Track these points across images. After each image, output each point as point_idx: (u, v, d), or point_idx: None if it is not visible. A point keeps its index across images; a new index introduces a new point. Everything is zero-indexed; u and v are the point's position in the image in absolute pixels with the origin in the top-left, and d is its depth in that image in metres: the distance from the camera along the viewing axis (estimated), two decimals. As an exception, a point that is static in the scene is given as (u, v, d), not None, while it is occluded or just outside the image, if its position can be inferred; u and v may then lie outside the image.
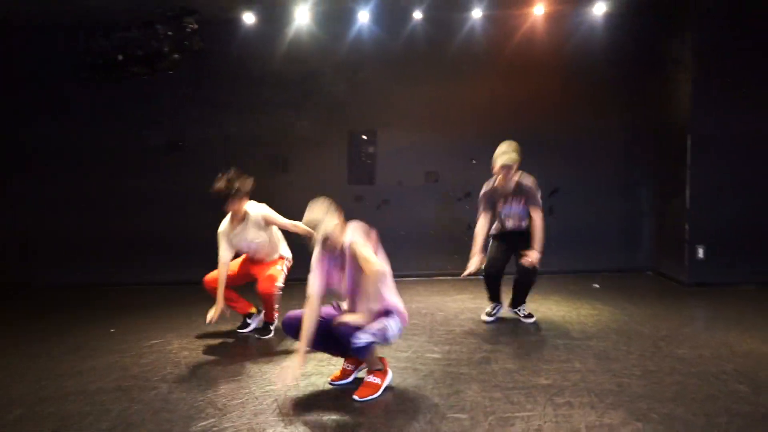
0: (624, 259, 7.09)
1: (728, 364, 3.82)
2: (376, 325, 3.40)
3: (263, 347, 4.56)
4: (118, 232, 7.07)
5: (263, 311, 4.91)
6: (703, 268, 6.16)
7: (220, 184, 4.51)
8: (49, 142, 7.00)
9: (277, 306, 4.82)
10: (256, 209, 4.70)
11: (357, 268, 3.42)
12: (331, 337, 3.47)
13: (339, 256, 3.54)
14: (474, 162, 6.81)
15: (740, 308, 5.26)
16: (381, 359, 3.69)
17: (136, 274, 7.10)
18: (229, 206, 4.59)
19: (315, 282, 3.59)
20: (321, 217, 3.44)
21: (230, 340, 4.80)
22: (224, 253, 4.72)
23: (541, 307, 5.42)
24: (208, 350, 4.54)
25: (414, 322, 5.08)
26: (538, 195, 4.85)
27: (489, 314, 5.09)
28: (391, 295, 3.58)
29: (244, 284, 4.99)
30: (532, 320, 5.00)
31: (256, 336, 4.84)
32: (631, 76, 6.92)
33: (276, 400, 3.47)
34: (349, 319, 3.38)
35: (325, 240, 3.45)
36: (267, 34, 6.82)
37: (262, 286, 4.68)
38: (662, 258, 6.76)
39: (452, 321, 5.10)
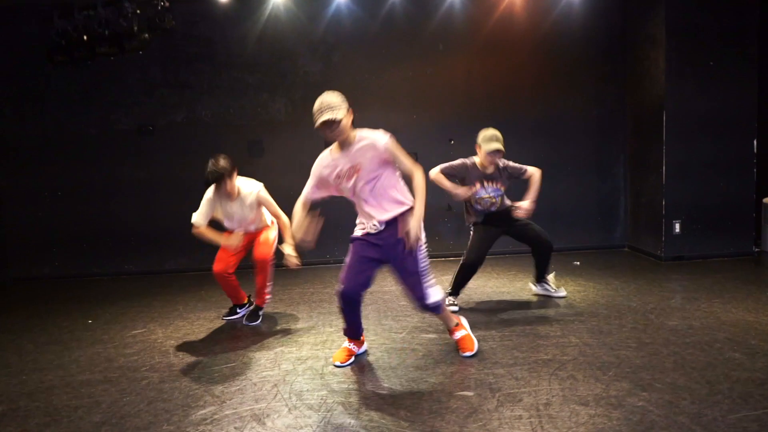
0: (601, 237, 7.18)
1: (719, 333, 3.90)
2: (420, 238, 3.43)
3: (253, 334, 4.44)
4: (90, 220, 6.81)
5: (254, 297, 4.79)
6: (679, 242, 6.29)
7: (210, 169, 4.35)
8: (14, 129, 6.66)
9: (269, 285, 4.70)
10: (248, 187, 4.54)
11: (378, 166, 3.35)
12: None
13: (349, 155, 3.38)
14: (452, 142, 6.79)
15: (719, 280, 5.39)
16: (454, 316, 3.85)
17: (111, 264, 6.87)
18: (224, 189, 4.43)
19: (310, 190, 3.57)
20: (337, 102, 3.26)
21: (216, 328, 4.66)
22: (202, 217, 4.49)
23: (526, 286, 5.44)
24: (195, 338, 4.40)
25: (402, 303, 5.04)
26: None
27: (452, 304, 4.85)
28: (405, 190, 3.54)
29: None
30: (563, 294, 4.98)
31: (245, 323, 4.71)
32: (606, 54, 6.97)
33: (276, 385, 3.38)
34: (414, 226, 3.32)
35: (333, 125, 3.24)
36: (241, 13, 6.62)
37: (258, 252, 4.57)
38: (639, 234, 6.88)
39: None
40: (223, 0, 6.18)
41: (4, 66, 6.56)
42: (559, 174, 7.00)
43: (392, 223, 3.44)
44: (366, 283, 3.52)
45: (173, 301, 5.48)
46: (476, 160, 4.73)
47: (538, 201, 6.98)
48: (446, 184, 4.68)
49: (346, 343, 3.78)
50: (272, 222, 4.78)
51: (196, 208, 4.53)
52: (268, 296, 4.78)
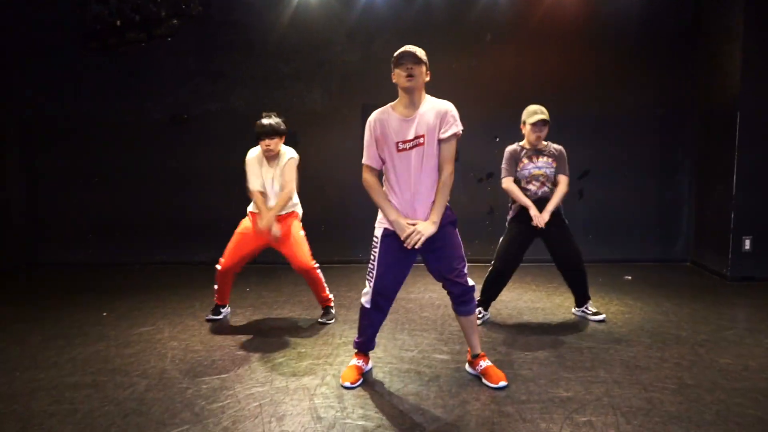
0: (660, 249, 6.53)
1: (779, 379, 3.32)
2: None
3: (258, 340, 4.19)
4: (123, 208, 6.79)
5: (319, 296, 4.55)
6: (748, 261, 5.59)
7: (268, 119, 4.25)
8: (51, 114, 6.69)
9: (326, 288, 4.52)
10: (290, 152, 4.37)
11: (433, 152, 3.10)
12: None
13: (420, 124, 3.10)
14: (497, 139, 6.30)
15: (791, 309, 4.71)
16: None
17: (142, 253, 6.82)
18: (263, 143, 4.25)
19: (374, 156, 3.22)
20: (424, 57, 3.11)
21: (225, 330, 4.45)
22: (256, 180, 4.33)
23: (566, 302, 4.94)
24: (199, 341, 4.19)
25: (425, 315, 4.68)
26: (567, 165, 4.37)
27: (480, 316, 4.47)
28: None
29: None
30: (601, 317, 4.44)
31: (319, 321, 4.53)
32: (673, 47, 6.28)
33: (261, 405, 3.10)
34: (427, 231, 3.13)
35: (415, 61, 3.03)
36: (276, 0, 6.36)
37: (297, 264, 4.33)
38: (703, 249, 6.18)
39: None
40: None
41: (42, 49, 6.56)
42: (616, 178, 6.41)
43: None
44: (402, 281, 3.33)
45: (192, 297, 5.33)
46: (523, 142, 4.38)
47: (592, 207, 6.48)
48: (521, 197, 4.30)
49: (354, 360, 3.47)
50: (296, 212, 4.50)
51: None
52: (331, 299, 4.63)
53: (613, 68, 6.31)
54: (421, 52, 3.07)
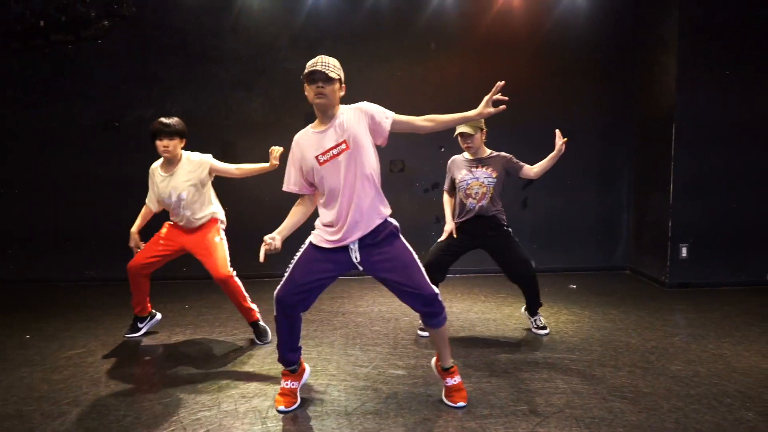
0: (601, 257, 6.65)
1: (729, 384, 3.37)
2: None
3: (202, 360, 3.94)
4: (49, 220, 6.30)
5: (241, 308, 4.21)
6: (686, 267, 5.75)
7: (159, 120, 4.04)
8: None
9: (248, 298, 4.19)
10: (194, 155, 4.14)
11: (367, 156, 2.92)
12: None
13: (336, 132, 2.93)
14: (443, 149, 6.27)
15: (729, 314, 4.85)
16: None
17: (70, 269, 6.35)
18: (160, 143, 4.01)
19: (294, 179, 3.07)
20: (337, 66, 2.96)
21: (164, 351, 4.16)
22: (151, 195, 4.25)
23: (516, 312, 4.93)
24: (136, 363, 3.91)
25: (375, 329, 4.55)
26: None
27: (421, 329, 4.37)
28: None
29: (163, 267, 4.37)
30: (544, 332, 4.34)
31: (257, 342, 4.23)
32: (613, 57, 6.44)
33: (208, 430, 2.88)
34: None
35: (322, 76, 2.85)
36: (216, 3, 6.11)
37: (215, 271, 4.07)
38: (642, 256, 6.34)
39: (418, 327, 4.53)
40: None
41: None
42: (557, 186, 6.48)
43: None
44: (308, 295, 3.06)
45: (125, 316, 4.96)
46: (464, 152, 4.31)
47: (535, 216, 6.53)
48: (445, 212, 4.34)
49: (283, 382, 3.22)
50: (215, 218, 4.25)
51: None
52: (255, 310, 4.26)
53: (556, 78, 6.40)
54: (333, 69, 2.89)
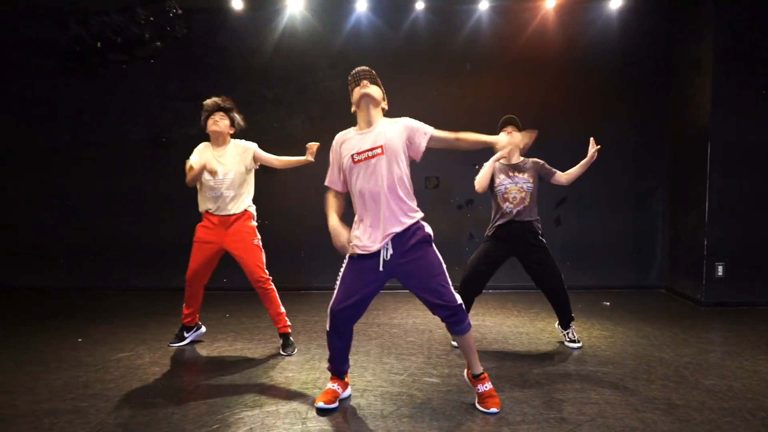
0: (635, 276, 6.65)
1: (764, 398, 3.38)
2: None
3: (242, 365, 4.10)
4: (97, 232, 6.62)
5: (275, 314, 4.35)
6: (722, 286, 5.73)
7: (213, 98, 4.27)
8: (27, 135, 6.54)
9: (281, 307, 4.34)
10: (240, 141, 4.36)
11: (399, 164, 3.09)
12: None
13: (376, 137, 3.13)
14: (477, 167, 6.33)
15: (765, 332, 4.83)
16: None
17: (116, 278, 6.65)
18: (211, 120, 4.24)
19: (334, 179, 3.29)
20: (376, 77, 3.19)
21: (207, 355, 4.34)
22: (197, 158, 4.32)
23: (549, 327, 4.98)
24: (182, 366, 4.09)
25: (410, 339, 4.66)
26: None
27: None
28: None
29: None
30: (577, 346, 4.40)
31: (281, 353, 4.33)
32: (646, 77, 6.51)
33: (252, 429, 3.02)
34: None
35: (371, 79, 3.14)
36: (256, 23, 6.40)
37: (255, 274, 4.23)
38: (677, 275, 6.33)
39: (452, 339, 4.63)
40: (240, 9, 5.93)
41: (19, 70, 6.46)
42: (592, 205, 6.54)
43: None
44: (362, 308, 3.27)
45: (170, 323, 5.19)
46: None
47: (569, 234, 6.58)
48: (485, 172, 4.35)
49: (330, 384, 3.40)
50: (250, 213, 4.39)
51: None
52: (288, 322, 4.41)
53: (590, 98, 6.50)
54: (374, 74, 3.18)
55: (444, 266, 3.17)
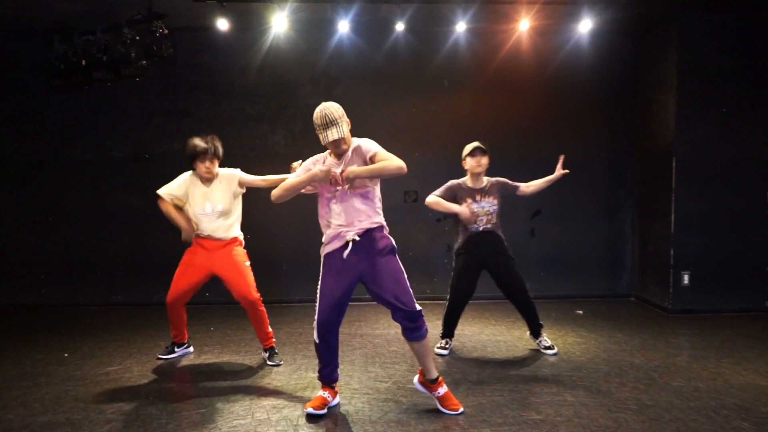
0: (606, 285, 6.91)
1: (727, 398, 3.62)
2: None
3: (231, 376, 4.21)
4: (80, 248, 6.63)
5: (262, 332, 4.46)
6: (688, 294, 6.01)
7: (198, 140, 4.29)
8: (9, 151, 6.56)
9: (268, 325, 4.45)
10: (224, 170, 4.44)
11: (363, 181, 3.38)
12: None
13: (343, 162, 3.40)
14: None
15: (729, 337, 5.10)
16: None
17: (99, 294, 6.66)
18: (202, 165, 4.30)
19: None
20: (339, 115, 3.33)
21: (195, 368, 4.43)
22: (166, 192, 4.36)
23: (525, 335, 5.17)
24: (171, 379, 4.18)
25: (392, 348, 4.81)
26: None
27: (443, 348, 4.70)
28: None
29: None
30: (552, 352, 4.61)
31: (268, 364, 4.44)
32: (616, 96, 6.81)
33: (244, 437, 3.14)
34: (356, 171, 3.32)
35: (339, 143, 3.34)
36: (243, 43, 6.54)
37: (239, 292, 4.31)
38: (646, 284, 6.60)
39: (436, 346, 4.79)
40: (225, 29, 6.08)
41: (2, 87, 6.50)
42: (564, 217, 6.80)
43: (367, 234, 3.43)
44: (342, 310, 3.48)
45: (156, 337, 5.26)
46: (466, 179, 4.68)
47: (542, 245, 6.83)
48: (445, 204, 4.58)
49: (320, 391, 3.56)
50: (237, 239, 4.50)
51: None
52: (273, 338, 4.56)
53: (562, 115, 6.76)
54: (341, 124, 3.30)
55: (405, 276, 3.42)
